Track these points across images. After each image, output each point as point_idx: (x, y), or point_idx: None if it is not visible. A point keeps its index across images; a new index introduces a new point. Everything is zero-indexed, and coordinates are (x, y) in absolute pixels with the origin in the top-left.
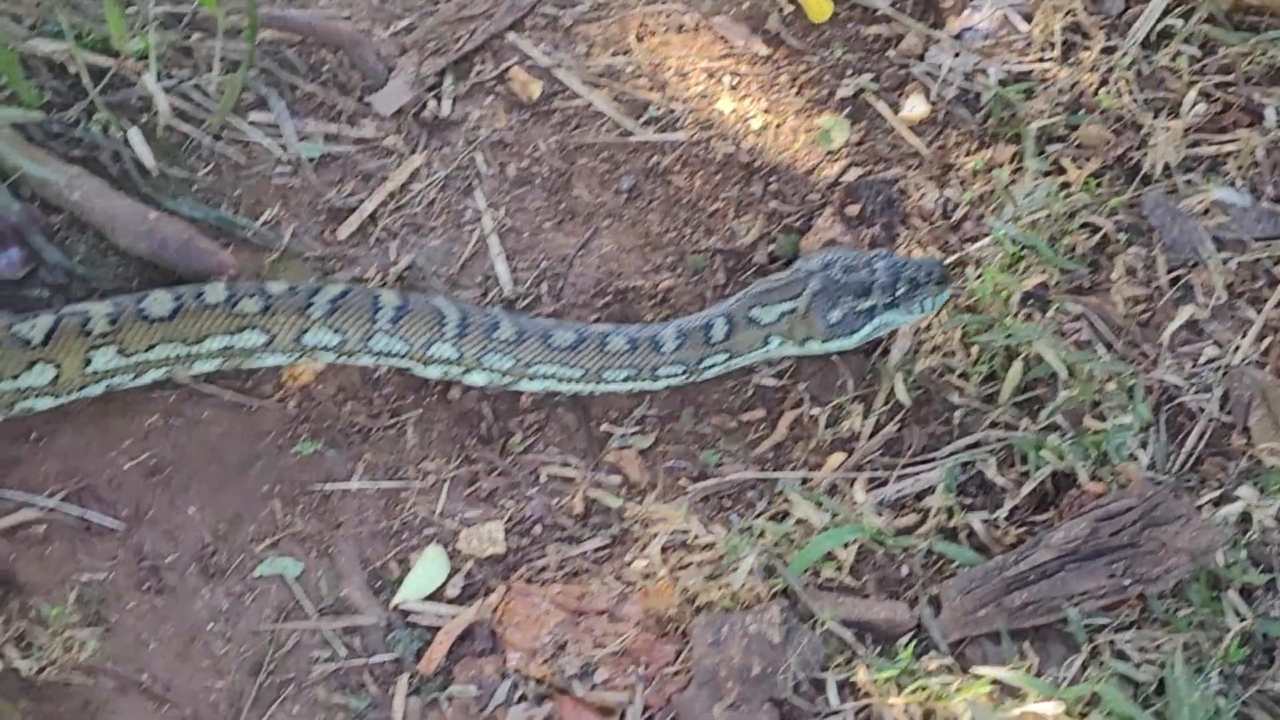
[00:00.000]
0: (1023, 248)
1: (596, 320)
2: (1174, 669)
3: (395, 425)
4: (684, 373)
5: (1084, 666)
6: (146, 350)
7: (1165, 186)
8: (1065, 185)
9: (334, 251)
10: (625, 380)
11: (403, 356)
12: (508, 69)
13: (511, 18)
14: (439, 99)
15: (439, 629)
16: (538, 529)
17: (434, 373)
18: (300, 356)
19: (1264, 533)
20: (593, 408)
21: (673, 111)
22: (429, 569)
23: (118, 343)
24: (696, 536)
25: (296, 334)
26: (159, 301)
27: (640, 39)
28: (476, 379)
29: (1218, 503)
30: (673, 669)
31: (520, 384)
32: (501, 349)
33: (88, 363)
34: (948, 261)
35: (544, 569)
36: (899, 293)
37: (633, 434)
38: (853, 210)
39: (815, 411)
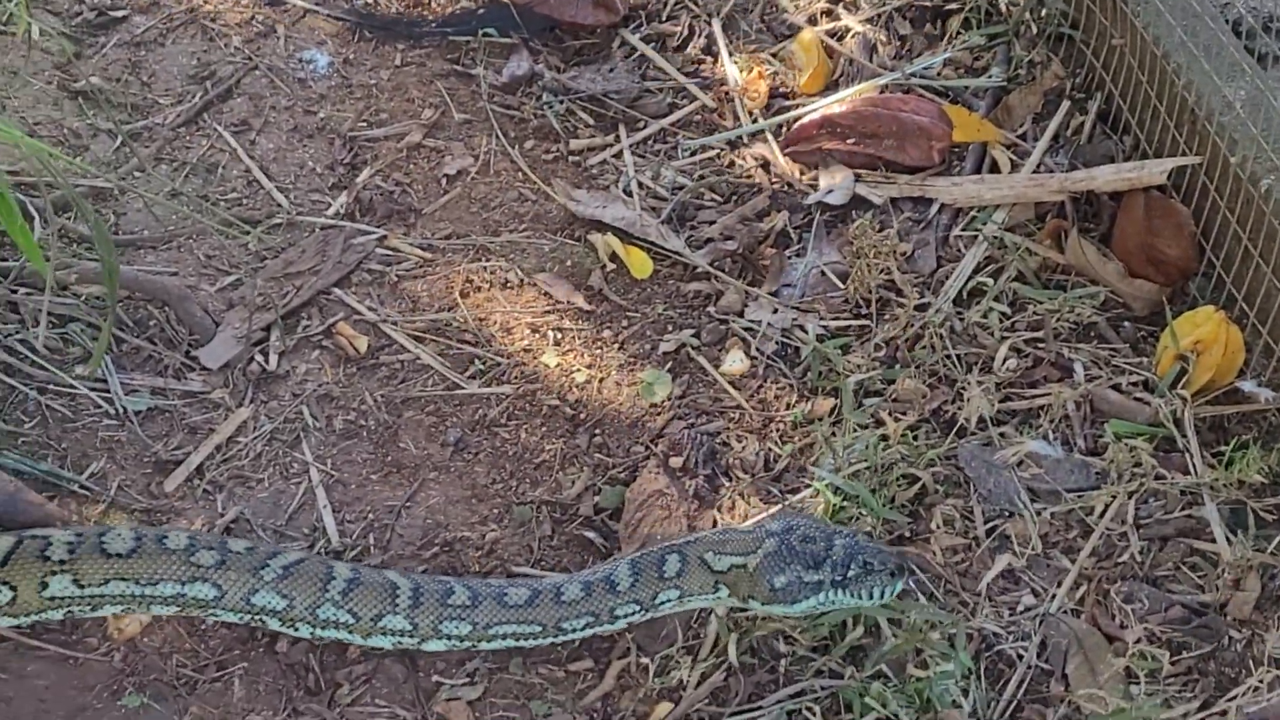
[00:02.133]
0: (845, 498)
1: (424, 571)
2: None
3: (222, 677)
4: (640, 610)
5: None
6: (102, 584)
7: (980, 439)
8: (884, 438)
9: (160, 504)
10: (585, 628)
11: (348, 629)
12: (334, 324)
13: (338, 274)
14: (266, 353)
15: None
16: None
17: (385, 643)
18: (249, 617)
19: None
20: (421, 659)
21: (499, 365)
22: None
23: (73, 572)
24: None
25: (247, 593)
26: (120, 538)
27: (465, 294)
28: (436, 646)
29: None
30: None
31: (480, 646)
32: (458, 615)
33: (44, 587)
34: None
35: None
36: (850, 574)
37: (461, 685)
38: (676, 462)
39: (643, 661)
